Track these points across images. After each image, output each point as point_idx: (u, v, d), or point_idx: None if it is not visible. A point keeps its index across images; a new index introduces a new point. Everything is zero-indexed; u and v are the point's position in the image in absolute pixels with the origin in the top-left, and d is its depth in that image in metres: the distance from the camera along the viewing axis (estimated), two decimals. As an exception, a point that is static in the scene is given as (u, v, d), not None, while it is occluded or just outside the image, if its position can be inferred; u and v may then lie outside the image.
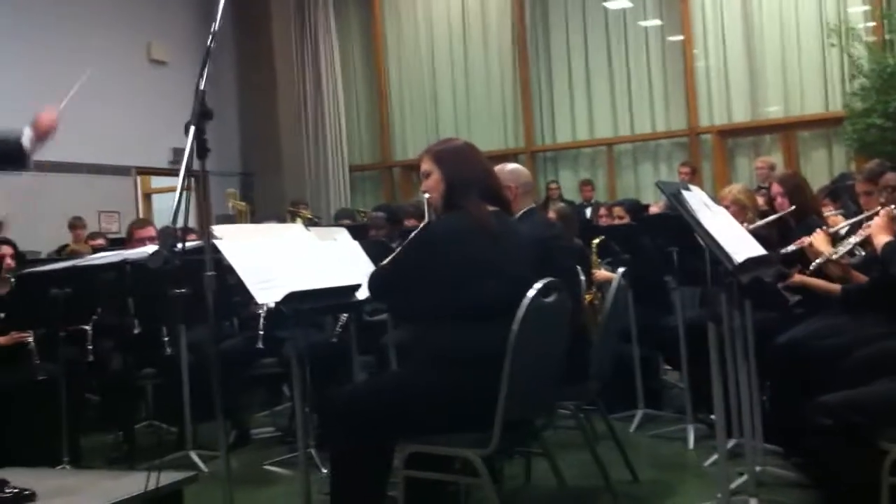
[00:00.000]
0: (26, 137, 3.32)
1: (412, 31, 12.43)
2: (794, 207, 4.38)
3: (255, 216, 9.45)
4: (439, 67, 12.28)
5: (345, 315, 4.99)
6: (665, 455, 4.56)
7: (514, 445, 3.47)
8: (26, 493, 3.05)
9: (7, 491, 3.05)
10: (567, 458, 3.71)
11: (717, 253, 2.99)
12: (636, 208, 6.22)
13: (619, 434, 4.21)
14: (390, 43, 12.55)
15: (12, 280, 4.61)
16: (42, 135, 3.34)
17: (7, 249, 5.10)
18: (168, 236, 2.49)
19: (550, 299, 2.90)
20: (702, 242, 3.16)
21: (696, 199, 3.17)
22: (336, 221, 7.62)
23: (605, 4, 11.51)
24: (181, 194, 2.62)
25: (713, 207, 3.39)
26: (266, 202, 11.21)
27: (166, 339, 4.91)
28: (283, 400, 6.01)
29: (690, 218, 2.99)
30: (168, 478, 3.17)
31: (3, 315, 4.55)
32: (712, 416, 4.58)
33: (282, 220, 7.85)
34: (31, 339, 4.66)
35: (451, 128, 11.76)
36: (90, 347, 4.82)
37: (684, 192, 3.07)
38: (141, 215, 10.34)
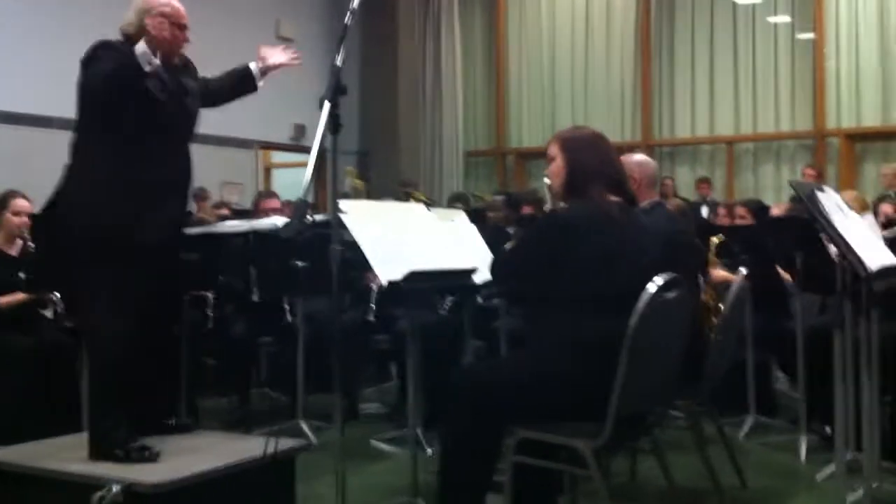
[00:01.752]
0: (253, 63, 3.64)
1: (534, 20, 12.34)
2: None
3: (371, 195, 9.54)
4: (559, 56, 12.15)
5: (450, 297, 5.02)
6: (775, 464, 4.44)
7: (624, 440, 3.44)
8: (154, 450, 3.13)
9: (137, 446, 3.12)
10: (672, 459, 3.64)
11: (849, 258, 2.90)
12: (760, 209, 6.04)
13: (727, 439, 4.13)
14: (511, 30, 12.49)
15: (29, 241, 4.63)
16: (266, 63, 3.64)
17: (24, 205, 4.80)
18: (301, 208, 2.56)
19: (672, 295, 2.86)
20: (832, 246, 3.07)
21: (830, 202, 3.08)
22: (449, 205, 7.65)
23: (734, -1, 11.24)
24: (314, 169, 2.67)
25: (846, 211, 3.29)
26: (381, 182, 11.32)
27: (286, 308, 5.03)
28: (390, 377, 6.09)
29: (824, 220, 2.90)
30: (282, 444, 3.23)
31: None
32: (827, 428, 4.46)
33: (397, 199, 7.92)
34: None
35: (568, 117, 11.63)
36: (211, 313, 4.98)
37: (818, 193, 2.99)
38: (262, 188, 10.58)
